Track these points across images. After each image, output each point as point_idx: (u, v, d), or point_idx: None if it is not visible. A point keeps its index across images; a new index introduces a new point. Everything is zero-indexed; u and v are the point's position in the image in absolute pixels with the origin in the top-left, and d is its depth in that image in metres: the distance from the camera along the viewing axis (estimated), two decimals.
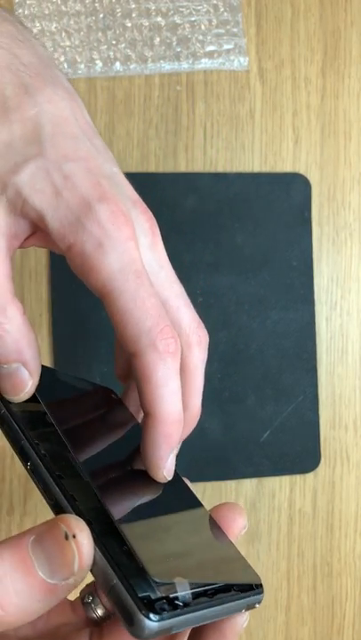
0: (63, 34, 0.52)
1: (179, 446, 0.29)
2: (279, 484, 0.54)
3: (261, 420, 0.53)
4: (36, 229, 0.27)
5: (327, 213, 0.55)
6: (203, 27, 0.54)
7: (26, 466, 0.27)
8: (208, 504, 0.56)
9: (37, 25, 0.52)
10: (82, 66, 0.52)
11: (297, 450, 0.54)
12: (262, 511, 0.54)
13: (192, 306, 0.30)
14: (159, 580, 0.23)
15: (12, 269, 0.27)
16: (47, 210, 0.26)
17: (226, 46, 0.54)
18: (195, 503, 0.29)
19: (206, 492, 0.53)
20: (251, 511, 0.54)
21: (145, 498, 0.28)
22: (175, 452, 0.28)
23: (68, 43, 0.52)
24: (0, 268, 0.26)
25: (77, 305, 0.50)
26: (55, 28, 0.52)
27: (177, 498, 0.28)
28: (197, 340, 0.30)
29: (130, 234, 0.26)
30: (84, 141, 0.28)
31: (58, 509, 0.25)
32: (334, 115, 0.56)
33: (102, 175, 0.27)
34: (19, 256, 0.51)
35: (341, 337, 0.55)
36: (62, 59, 0.52)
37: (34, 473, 0.26)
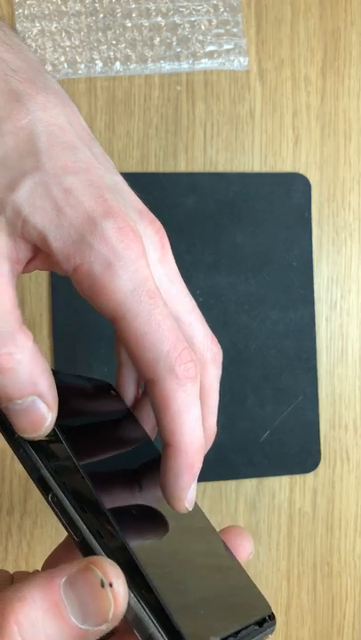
0: (63, 34, 0.52)
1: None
2: (279, 484, 0.54)
3: (261, 420, 0.53)
4: (38, 252, 0.26)
5: (327, 213, 0.55)
6: (203, 27, 0.54)
7: (46, 497, 0.25)
8: (208, 504, 0.56)
9: (37, 25, 0.52)
10: (82, 66, 0.52)
11: (297, 450, 0.54)
12: (262, 511, 0.54)
13: (204, 320, 0.29)
14: None
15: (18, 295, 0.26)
16: (49, 229, 0.24)
17: (226, 46, 0.54)
18: (207, 527, 0.28)
19: (206, 492, 0.53)
20: (251, 511, 0.54)
21: (163, 529, 0.27)
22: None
23: (68, 43, 0.52)
24: (5, 294, 0.24)
25: (77, 305, 0.50)
26: (55, 28, 0.52)
27: (191, 523, 0.28)
28: (212, 357, 0.28)
29: (140, 251, 0.25)
30: (84, 151, 0.26)
31: (86, 548, 0.24)
32: (334, 115, 0.56)
33: (105, 187, 0.25)
34: None
35: (341, 337, 0.55)
36: (62, 59, 0.52)
37: (56, 506, 0.25)
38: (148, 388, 0.26)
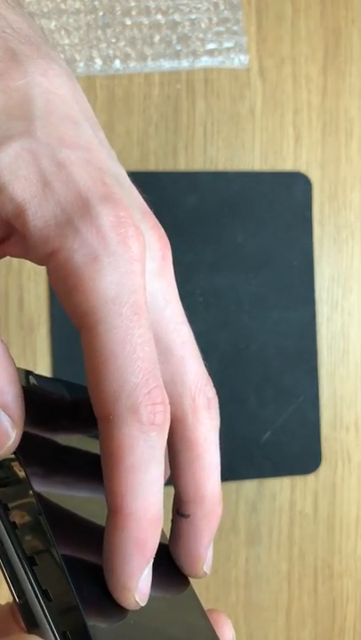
0: (62, 32, 0.52)
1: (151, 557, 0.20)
2: (280, 486, 0.54)
3: (262, 421, 0.53)
4: (10, 234, 0.21)
5: (328, 212, 0.55)
6: (203, 25, 0.54)
7: None
8: None
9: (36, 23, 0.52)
10: (81, 64, 0.52)
11: (298, 451, 0.53)
12: (263, 513, 0.54)
13: (200, 357, 0.23)
14: None
15: None
16: (30, 203, 0.20)
17: (226, 44, 0.54)
18: (186, 593, 0.22)
19: None
20: (251, 513, 0.53)
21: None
22: (150, 565, 0.20)
23: (67, 41, 0.52)
24: None
25: None
26: (54, 26, 0.52)
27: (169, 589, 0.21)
28: (205, 403, 0.22)
29: (138, 253, 0.20)
30: (86, 128, 0.22)
31: (28, 616, 0.19)
32: (335, 113, 0.55)
33: (107, 172, 0.21)
34: None
35: (343, 337, 0.55)
36: (61, 57, 0.52)
37: (0, 555, 0.19)
38: (101, 429, 0.20)
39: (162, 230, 0.23)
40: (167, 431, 0.20)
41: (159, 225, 0.23)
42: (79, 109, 0.22)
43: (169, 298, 0.23)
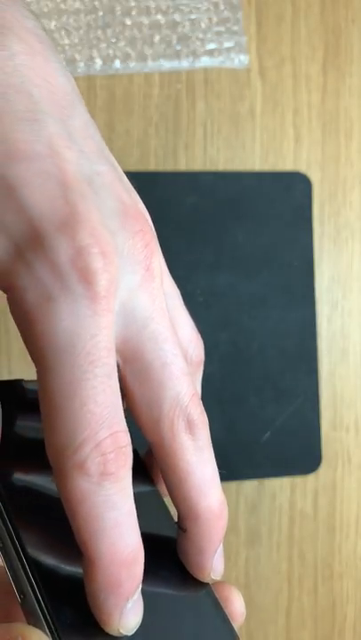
0: (62, 32, 0.52)
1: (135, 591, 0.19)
2: (280, 486, 0.54)
3: (262, 421, 0.53)
4: None
5: (328, 212, 0.55)
6: (203, 25, 0.54)
7: None
8: None
9: None
10: (81, 64, 0.52)
11: (298, 451, 0.53)
12: (263, 513, 0.53)
13: (185, 372, 0.21)
14: None
15: None
16: None
17: (226, 44, 0.54)
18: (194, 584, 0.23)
19: None
20: (251, 513, 0.53)
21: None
22: (136, 598, 0.19)
23: (67, 41, 0.52)
24: None
25: None
26: (54, 26, 0.52)
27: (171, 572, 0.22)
28: (185, 426, 0.21)
29: (105, 287, 0.18)
30: (50, 124, 0.18)
31: (31, 610, 0.19)
32: (335, 113, 0.55)
33: (74, 183, 0.18)
34: None
35: (343, 337, 0.55)
36: (61, 57, 0.52)
37: (3, 553, 0.20)
38: (54, 476, 0.19)
39: (149, 234, 0.20)
40: (128, 471, 0.19)
41: (147, 226, 0.20)
42: (45, 96, 0.19)
43: (150, 315, 0.20)
